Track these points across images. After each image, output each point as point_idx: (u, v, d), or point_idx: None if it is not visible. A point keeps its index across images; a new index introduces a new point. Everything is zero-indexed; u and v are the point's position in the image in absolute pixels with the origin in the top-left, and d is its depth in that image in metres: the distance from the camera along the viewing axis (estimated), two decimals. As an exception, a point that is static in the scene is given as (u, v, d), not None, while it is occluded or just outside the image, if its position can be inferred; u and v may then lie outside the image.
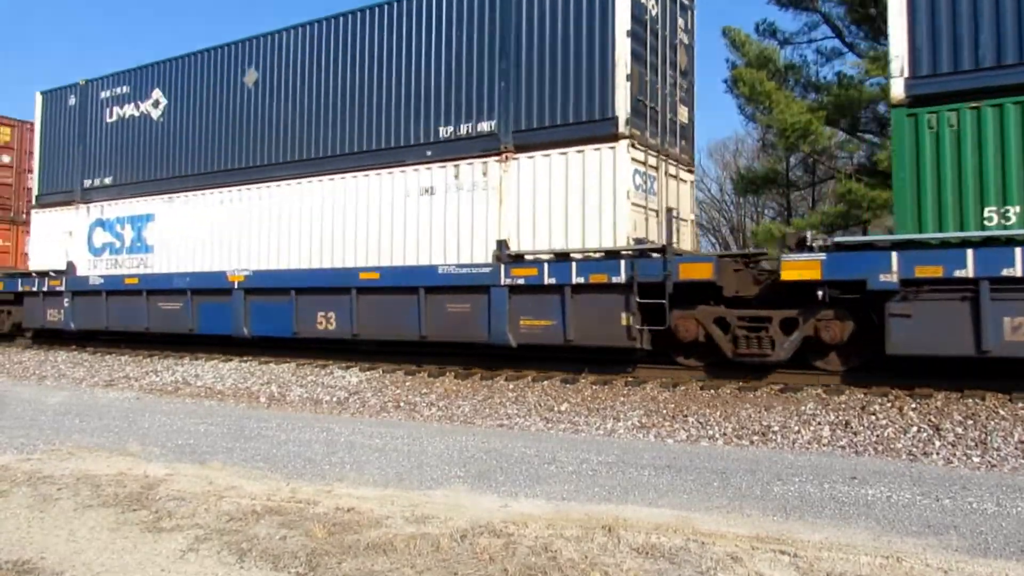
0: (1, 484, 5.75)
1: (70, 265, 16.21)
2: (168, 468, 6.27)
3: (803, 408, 8.27)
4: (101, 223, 16.02)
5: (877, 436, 7.38)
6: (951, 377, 8.41)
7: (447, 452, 6.96)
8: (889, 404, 8.07)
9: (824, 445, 7.38)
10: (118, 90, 15.85)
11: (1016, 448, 6.80)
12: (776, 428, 7.84)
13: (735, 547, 4.14)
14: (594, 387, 9.88)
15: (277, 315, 12.82)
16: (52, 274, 16.46)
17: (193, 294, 14.03)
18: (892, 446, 7.16)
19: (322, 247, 12.47)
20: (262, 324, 13.13)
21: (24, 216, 20.09)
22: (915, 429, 7.42)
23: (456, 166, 11.12)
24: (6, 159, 21.15)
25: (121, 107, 15.76)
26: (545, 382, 10.36)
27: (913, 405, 7.95)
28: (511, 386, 10.34)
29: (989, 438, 7.03)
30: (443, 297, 11.02)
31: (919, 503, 5.13)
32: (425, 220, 11.34)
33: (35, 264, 17.33)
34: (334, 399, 10.74)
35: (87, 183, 16.22)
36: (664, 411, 8.69)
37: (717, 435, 7.89)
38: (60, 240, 16.64)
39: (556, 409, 9.23)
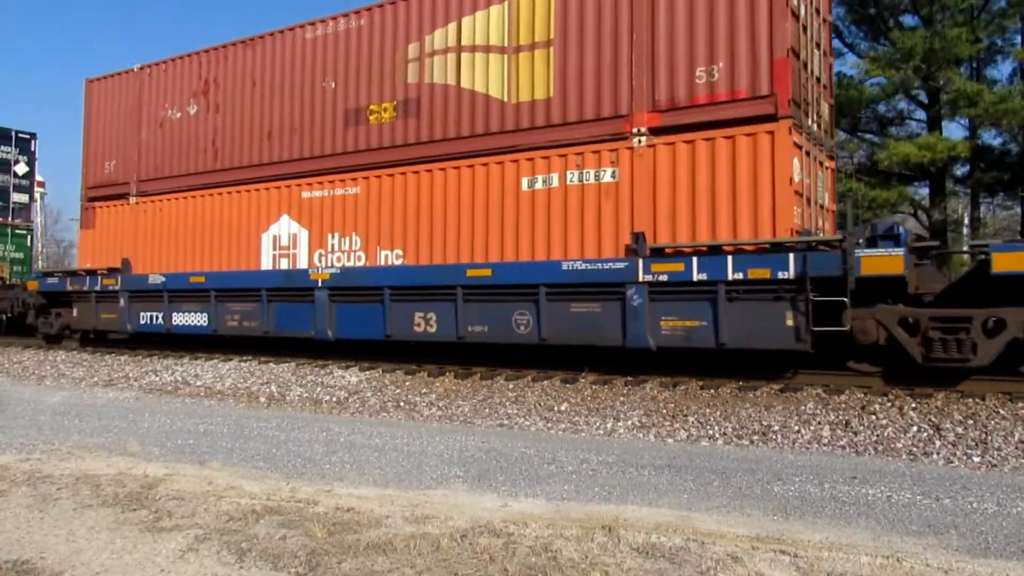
0: (1, 484, 5.74)
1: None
2: (168, 468, 6.27)
3: (803, 408, 8.26)
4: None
5: (877, 436, 7.38)
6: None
7: (447, 452, 6.96)
8: (889, 404, 8.07)
9: (824, 445, 7.37)
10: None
11: (1016, 448, 6.80)
12: (776, 428, 7.84)
13: (735, 547, 4.13)
14: (594, 387, 9.87)
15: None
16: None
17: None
18: (892, 446, 7.15)
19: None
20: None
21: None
22: (915, 429, 7.41)
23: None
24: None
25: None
26: (545, 382, 10.36)
27: (913, 405, 7.94)
28: (511, 386, 10.33)
29: (989, 438, 7.03)
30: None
31: (919, 503, 5.13)
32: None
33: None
34: (334, 399, 10.73)
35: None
36: (664, 411, 8.68)
37: (717, 435, 7.89)
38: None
39: (556, 409, 9.22)
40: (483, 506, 5.08)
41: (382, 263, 11.91)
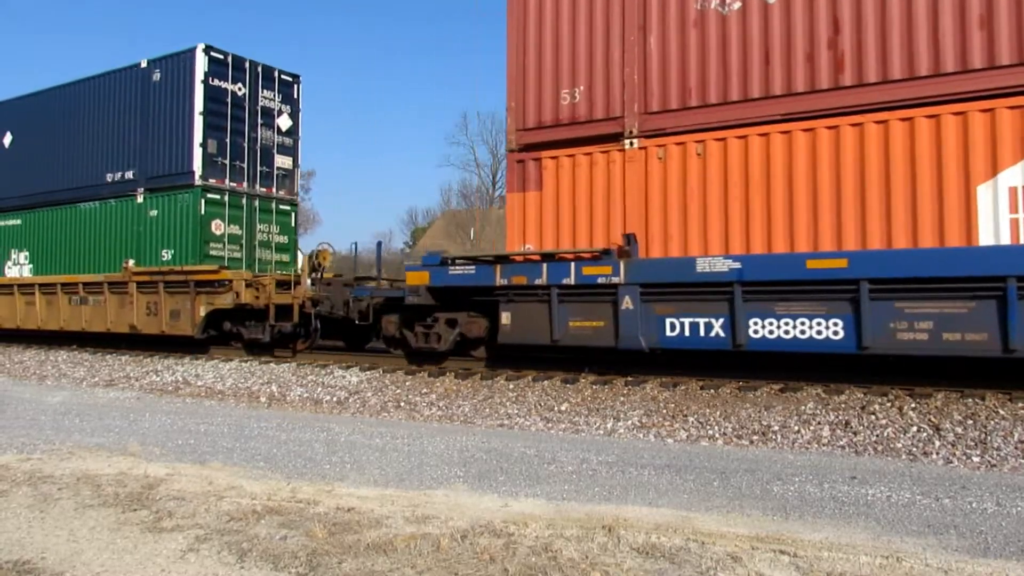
0: (1, 484, 5.75)
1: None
2: (168, 468, 6.27)
3: (803, 408, 8.27)
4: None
5: (877, 436, 7.39)
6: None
7: (447, 452, 6.97)
8: (889, 404, 8.07)
9: (824, 445, 7.38)
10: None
11: (1016, 448, 6.81)
12: (776, 428, 7.85)
13: (735, 547, 4.14)
14: (594, 387, 9.88)
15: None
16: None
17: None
18: (892, 446, 7.16)
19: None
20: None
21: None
22: (915, 429, 7.42)
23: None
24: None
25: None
26: (545, 382, 10.36)
27: (913, 405, 7.95)
28: (511, 386, 10.34)
29: (989, 438, 7.04)
30: None
31: (919, 503, 5.13)
32: None
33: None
34: (334, 399, 10.74)
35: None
36: (664, 411, 8.69)
37: (717, 435, 7.89)
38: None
39: (556, 409, 9.23)
40: (483, 506, 5.08)
41: None
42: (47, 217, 17.85)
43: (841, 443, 7.36)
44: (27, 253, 18.34)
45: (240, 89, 15.86)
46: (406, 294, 11.34)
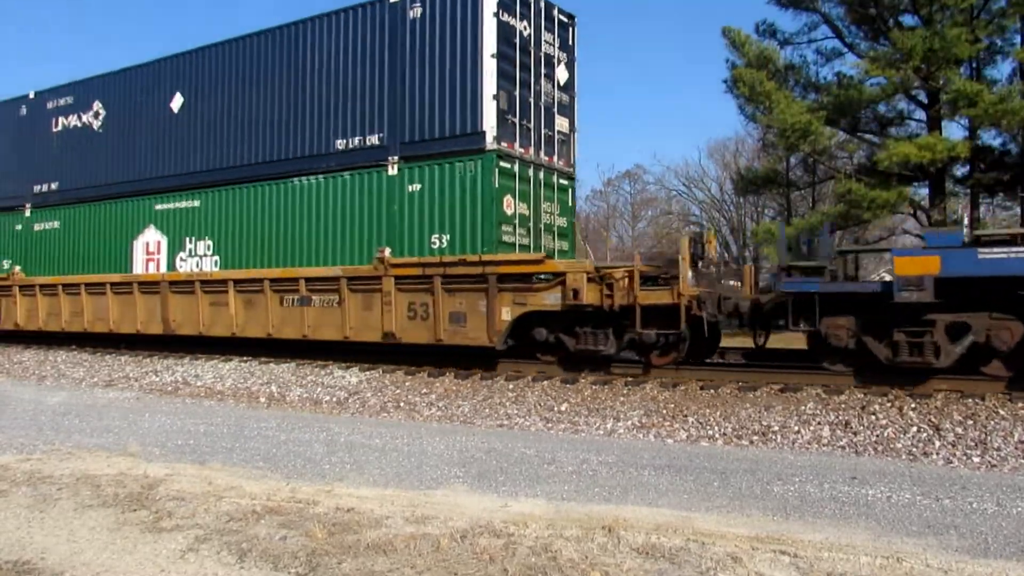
0: (1, 484, 5.75)
1: None
2: (168, 468, 6.27)
3: (803, 408, 8.26)
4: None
5: (877, 436, 7.38)
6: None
7: (447, 452, 6.96)
8: (889, 404, 8.07)
9: (824, 445, 7.38)
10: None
11: (1016, 448, 6.80)
12: (776, 428, 7.84)
13: (735, 547, 4.14)
14: (594, 387, 9.87)
15: None
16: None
17: None
18: (892, 446, 7.16)
19: None
20: None
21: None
22: (915, 429, 7.42)
23: None
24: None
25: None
26: (545, 382, 10.35)
27: (913, 405, 7.95)
28: (511, 386, 10.33)
29: (989, 438, 7.03)
30: None
31: (919, 503, 5.13)
32: None
33: None
34: (334, 399, 10.73)
35: None
36: (664, 411, 8.69)
37: (717, 435, 7.89)
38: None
39: (556, 409, 9.23)
40: (483, 506, 5.08)
41: None
42: (238, 197, 13.89)
43: (841, 443, 7.36)
44: (209, 242, 14.30)
45: (525, 29, 12.00)
46: (897, 288, 8.27)
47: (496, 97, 11.14)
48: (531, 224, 11.90)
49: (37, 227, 17.45)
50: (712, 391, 9.16)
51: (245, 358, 13.78)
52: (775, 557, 4.01)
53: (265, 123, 13.58)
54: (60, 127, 17.18)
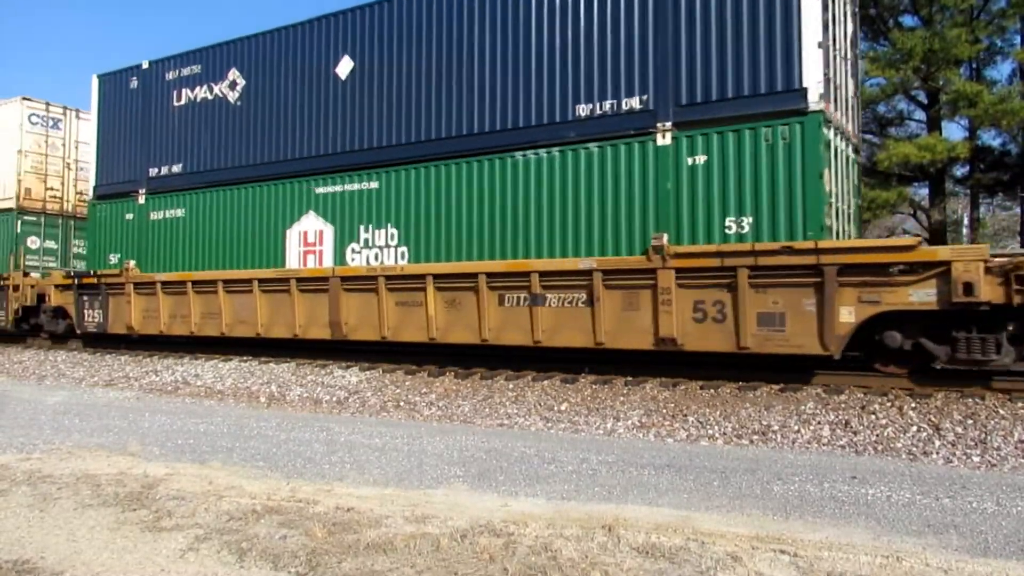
0: (1, 483, 5.75)
1: None
2: (168, 468, 6.27)
3: (803, 408, 8.27)
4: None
5: (877, 436, 7.38)
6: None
7: (447, 452, 6.96)
8: (889, 404, 8.07)
9: (824, 444, 7.38)
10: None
11: (1016, 447, 6.81)
12: (776, 428, 7.85)
13: (735, 547, 4.14)
14: (594, 387, 9.87)
15: None
16: None
17: None
18: (892, 445, 7.16)
19: None
20: None
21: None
22: (915, 428, 7.42)
23: None
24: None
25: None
26: (545, 382, 10.36)
27: (913, 404, 7.95)
28: (511, 386, 10.33)
29: (989, 437, 7.04)
30: None
31: (919, 502, 5.13)
32: None
33: None
34: (334, 399, 10.74)
35: None
36: (664, 411, 8.69)
37: (717, 434, 7.89)
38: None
39: (556, 409, 9.23)
40: (483, 506, 5.08)
41: None
42: (435, 176, 11.58)
43: (841, 443, 7.36)
44: (393, 231, 11.96)
45: None
46: None
47: (823, 47, 9.02)
48: (838, 205, 9.77)
49: (154, 216, 15.05)
50: (712, 391, 9.16)
51: (245, 358, 13.79)
52: (775, 556, 4.01)
53: (472, 88, 11.29)
54: (184, 100, 14.71)
